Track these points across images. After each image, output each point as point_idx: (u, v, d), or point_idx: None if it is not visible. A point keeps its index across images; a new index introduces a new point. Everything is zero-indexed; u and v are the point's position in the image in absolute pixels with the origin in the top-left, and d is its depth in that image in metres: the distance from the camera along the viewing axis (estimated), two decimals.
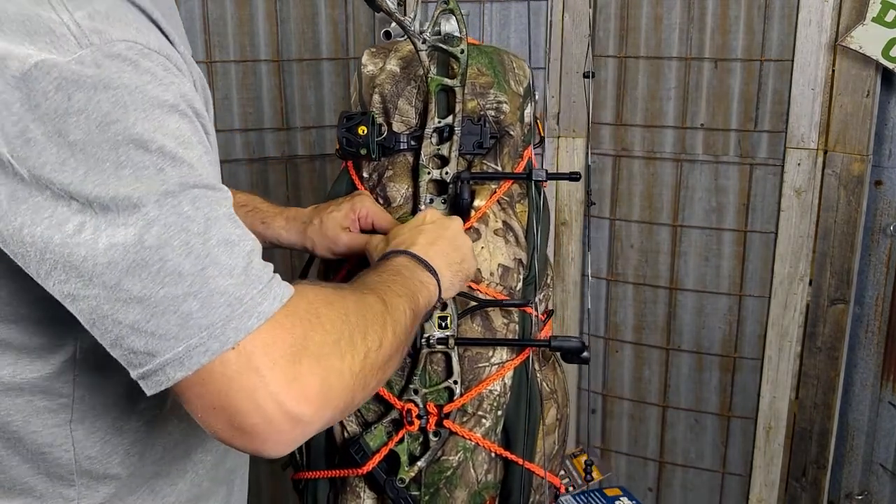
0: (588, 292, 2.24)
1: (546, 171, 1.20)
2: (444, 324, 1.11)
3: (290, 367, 0.66)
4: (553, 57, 2.11)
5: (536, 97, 1.29)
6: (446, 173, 1.16)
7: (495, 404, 1.14)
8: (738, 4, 1.98)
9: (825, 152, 1.93)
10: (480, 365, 1.14)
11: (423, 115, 1.17)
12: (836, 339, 2.00)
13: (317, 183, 2.21)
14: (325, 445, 1.17)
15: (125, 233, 0.63)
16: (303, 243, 1.17)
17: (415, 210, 1.17)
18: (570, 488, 2.17)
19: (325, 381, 0.68)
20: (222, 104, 2.09)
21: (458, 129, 1.15)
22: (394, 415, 1.12)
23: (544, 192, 1.25)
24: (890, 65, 1.80)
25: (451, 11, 1.14)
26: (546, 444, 1.21)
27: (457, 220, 1.08)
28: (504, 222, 1.18)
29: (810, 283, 2.01)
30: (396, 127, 1.19)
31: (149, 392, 0.66)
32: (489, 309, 1.15)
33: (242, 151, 2.15)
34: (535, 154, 1.28)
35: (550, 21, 2.08)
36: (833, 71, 1.89)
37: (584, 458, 2.19)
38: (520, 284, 1.18)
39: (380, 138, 1.16)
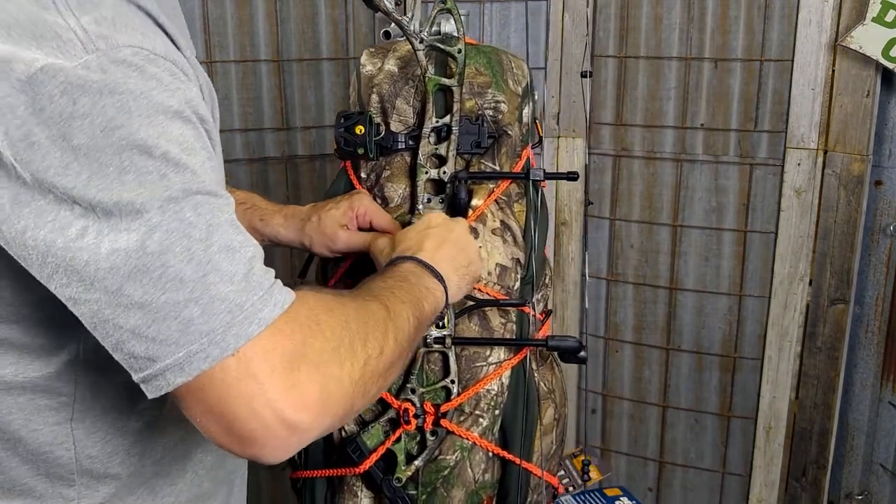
0: (586, 292, 2.24)
1: (544, 170, 1.20)
2: (441, 323, 1.11)
3: (289, 374, 0.66)
4: (553, 57, 2.11)
5: (536, 97, 1.29)
6: (444, 173, 1.16)
7: (492, 404, 1.14)
8: (738, 4, 1.98)
9: (825, 152, 1.93)
10: (478, 364, 1.14)
11: (421, 115, 1.17)
12: (836, 339, 2.00)
13: (317, 183, 2.21)
14: (322, 444, 1.17)
15: (127, 238, 0.63)
16: (300, 241, 1.17)
17: (412, 210, 1.17)
18: (570, 488, 2.17)
19: (324, 388, 0.68)
20: (222, 104, 2.09)
21: (455, 129, 1.15)
22: (391, 414, 1.12)
23: (542, 192, 1.25)
24: (890, 65, 1.80)
25: (449, 11, 1.13)
26: (543, 443, 1.21)
27: (462, 223, 1.08)
28: (502, 222, 1.18)
29: (810, 283, 2.01)
30: (394, 126, 1.19)
31: (150, 396, 0.66)
32: (487, 308, 1.15)
33: (242, 151, 2.15)
34: (535, 154, 1.28)
35: (549, 21, 2.08)
36: (833, 71, 1.89)
37: (582, 458, 2.19)
38: (517, 284, 1.18)
39: (377, 138, 1.16)
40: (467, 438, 1.12)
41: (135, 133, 0.63)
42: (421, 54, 1.10)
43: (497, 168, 1.19)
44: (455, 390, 1.12)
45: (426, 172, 1.16)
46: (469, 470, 1.14)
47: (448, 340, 1.11)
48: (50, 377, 0.77)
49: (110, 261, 0.63)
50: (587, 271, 2.23)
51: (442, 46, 1.12)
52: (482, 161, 1.19)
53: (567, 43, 2.10)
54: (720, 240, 2.12)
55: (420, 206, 1.16)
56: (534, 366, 1.20)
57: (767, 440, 2.13)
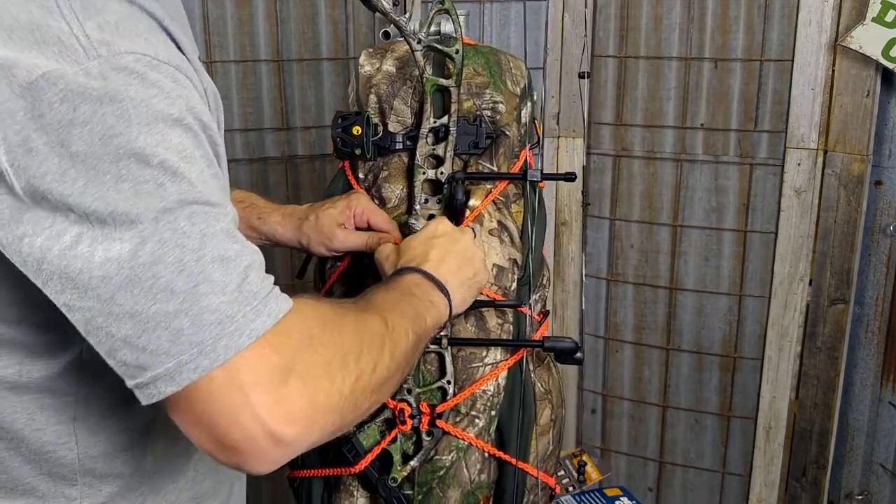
0: (584, 292, 2.24)
1: (541, 171, 1.20)
2: None
3: (276, 387, 0.66)
4: (553, 57, 2.11)
5: (535, 97, 1.29)
6: (441, 173, 1.16)
7: (489, 404, 1.14)
8: (738, 4, 1.98)
9: (825, 152, 1.93)
10: (474, 365, 1.14)
11: (419, 116, 1.17)
12: (836, 339, 2.00)
13: (317, 183, 2.21)
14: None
15: (120, 248, 0.63)
16: (298, 240, 1.18)
17: (409, 210, 1.18)
18: (570, 488, 2.18)
19: (312, 402, 0.68)
20: (222, 104, 2.09)
21: (453, 130, 1.15)
22: (387, 414, 1.13)
23: (540, 193, 1.25)
24: (890, 65, 1.79)
25: (447, 11, 1.14)
26: (540, 444, 1.21)
27: (468, 232, 1.09)
28: (499, 222, 1.18)
29: (810, 283, 2.01)
30: (393, 127, 1.19)
31: (143, 402, 0.66)
32: (484, 309, 1.15)
33: (242, 151, 2.15)
34: (534, 154, 1.28)
35: (548, 21, 2.08)
36: (833, 71, 1.88)
37: (578, 458, 2.20)
38: (514, 285, 1.18)
39: (375, 138, 1.17)
40: (463, 439, 1.12)
41: (133, 141, 0.63)
42: (419, 55, 1.11)
43: (495, 169, 1.19)
44: (451, 391, 1.12)
45: (423, 173, 1.16)
46: (465, 470, 1.14)
47: (444, 341, 1.11)
48: (54, 377, 0.77)
49: (103, 269, 0.63)
50: (586, 271, 2.24)
51: (439, 47, 1.12)
52: (480, 161, 1.19)
53: (567, 43, 2.10)
54: (720, 240, 2.12)
55: (417, 207, 1.16)
56: (531, 366, 1.20)
57: (767, 440, 2.13)
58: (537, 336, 1.21)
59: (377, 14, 1.05)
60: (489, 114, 1.18)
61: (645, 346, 2.26)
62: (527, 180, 1.19)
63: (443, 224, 1.07)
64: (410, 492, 1.13)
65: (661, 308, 2.22)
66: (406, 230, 1.15)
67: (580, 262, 2.22)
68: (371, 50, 1.24)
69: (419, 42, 1.10)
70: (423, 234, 1.06)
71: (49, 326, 0.73)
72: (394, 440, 1.12)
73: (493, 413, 1.14)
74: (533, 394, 1.19)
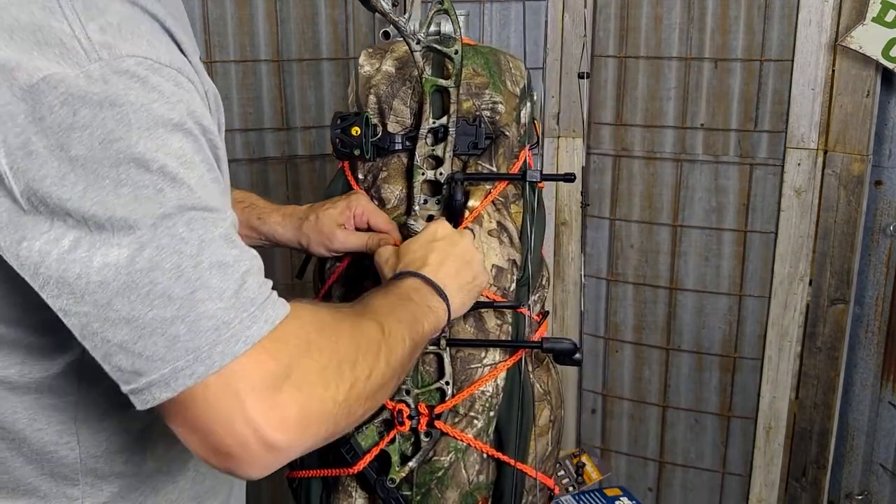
0: (584, 292, 2.24)
1: (540, 171, 1.20)
2: None
3: (271, 394, 0.66)
4: (553, 57, 2.11)
5: (534, 98, 1.29)
6: (440, 174, 1.16)
7: (487, 405, 1.14)
8: (738, 4, 1.98)
9: (825, 152, 1.93)
10: (473, 366, 1.14)
11: (419, 116, 1.17)
12: (836, 339, 2.00)
13: (317, 183, 2.21)
14: None
15: (118, 253, 0.63)
16: (298, 240, 1.18)
17: (409, 211, 1.17)
18: (570, 488, 2.18)
19: (305, 409, 0.68)
20: (223, 104, 2.09)
21: (452, 130, 1.15)
22: (385, 415, 1.13)
23: (540, 193, 1.25)
24: (890, 65, 1.79)
25: (446, 12, 1.13)
26: (539, 445, 1.21)
27: (468, 235, 1.09)
28: (498, 223, 1.18)
29: (810, 283, 2.01)
30: (392, 127, 1.19)
31: (138, 407, 0.67)
32: (482, 310, 1.15)
33: (242, 151, 2.15)
34: (534, 155, 1.28)
35: (548, 21, 2.08)
36: (833, 71, 1.88)
37: (577, 459, 2.20)
38: (513, 285, 1.18)
39: (374, 139, 1.17)
40: (462, 440, 1.12)
41: (133, 146, 0.63)
42: (418, 55, 1.10)
43: (494, 169, 1.19)
44: (449, 392, 1.12)
45: (423, 174, 1.16)
46: (463, 471, 1.14)
47: (443, 342, 1.11)
48: (55, 377, 0.77)
49: (101, 275, 0.63)
50: (586, 271, 2.24)
51: (439, 47, 1.12)
52: (479, 162, 1.19)
53: (567, 43, 2.10)
54: (720, 240, 2.12)
55: (416, 208, 1.16)
56: (529, 367, 1.20)
57: (767, 440, 2.13)
58: (537, 336, 1.21)
59: (377, 14, 1.05)
60: (488, 114, 1.18)
61: (645, 346, 2.26)
62: (526, 181, 1.19)
63: (442, 227, 1.07)
64: (409, 492, 1.12)
65: (661, 308, 2.22)
66: (405, 231, 1.15)
67: (580, 262, 2.22)
68: (371, 50, 1.24)
69: (418, 42, 1.09)
70: (423, 237, 1.06)
71: (48, 328, 0.73)
72: (392, 441, 1.12)
73: (491, 414, 1.14)
74: (532, 394, 1.19)
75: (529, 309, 1.20)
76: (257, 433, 0.65)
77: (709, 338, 2.18)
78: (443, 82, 1.14)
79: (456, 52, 1.12)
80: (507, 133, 1.19)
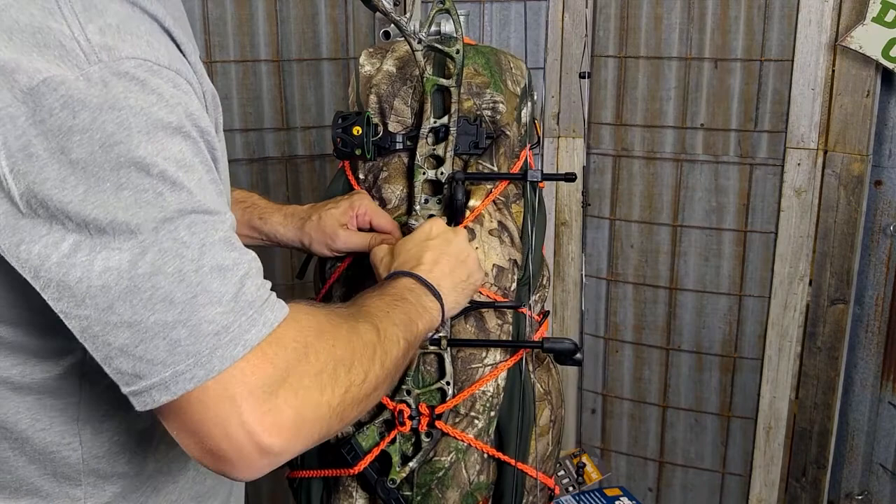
0: (584, 292, 2.24)
1: (541, 171, 1.20)
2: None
3: (266, 398, 0.67)
4: (553, 57, 2.11)
5: (535, 97, 1.29)
6: (441, 173, 1.16)
7: (488, 405, 1.14)
8: (738, 4, 1.98)
9: (825, 152, 1.93)
10: (473, 366, 1.14)
11: (419, 116, 1.17)
12: (836, 339, 2.00)
13: (317, 183, 2.21)
14: (318, 445, 1.17)
15: (120, 257, 0.63)
16: (300, 239, 1.18)
17: (410, 211, 1.17)
18: (570, 488, 2.18)
19: (300, 413, 0.69)
20: (222, 104, 2.09)
21: (453, 130, 1.15)
22: (386, 415, 1.12)
23: (541, 193, 1.25)
24: (890, 65, 1.79)
25: (447, 11, 1.13)
26: (539, 445, 1.21)
27: (462, 233, 1.08)
28: (499, 222, 1.18)
29: (810, 283, 2.01)
30: (393, 127, 1.19)
31: (137, 409, 0.67)
32: (483, 310, 1.15)
33: (242, 151, 2.15)
34: (534, 154, 1.28)
35: (548, 21, 2.08)
36: (833, 71, 1.88)
37: (577, 459, 2.20)
38: (514, 285, 1.17)
39: (375, 138, 1.16)
40: (462, 440, 1.12)
41: (133, 150, 0.63)
42: (419, 55, 1.11)
43: (495, 169, 1.19)
44: (450, 392, 1.12)
45: (423, 173, 1.16)
46: (464, 471, 1.14)
47: (444, 342, 1.11)
48: (57, 378, 0.77)
49: (102, 279, 0.63)
50: (586, 271, 2.24)
51: (439, 47, 1.12)
52: (480, 161, 1.19)
53: (567, 43, 2.10)
54: (720, 240, 2.12)
55: (417, 207, 1.16)
56: (530, 367, 1.20)
57: (767, 440, 2.13)
58: (537, 336, 1.21)
59: (377, 14, 1.05)
60: (489, 114, 1.18)
61: (645, 346, 2.26)
62: (527, 180, 1.19)
63: (437, 225, 1.07)
64: (409, 493, 1.12)
65: (661, 308, 2.22)
66: (406, 231, 1.15)
67: (580, 262, 2.22)
68: (371, 50, 1.24)
69: (419, 42, 1.10)
70: (417, 236, 1.06)
71: (50, 330, 0.73)
72: (393, 441, 1.12)
73: (492, 414, 1.14)
74: (532, 394, 1.19)
75: (530, 309, 1.20)
76: (252, 437, 0.66)
77: (709, 338, 2.18)
78: (444, 82, 1.14)
79: (457, 52, 1.12)
80: (507, 133, 1.19)
